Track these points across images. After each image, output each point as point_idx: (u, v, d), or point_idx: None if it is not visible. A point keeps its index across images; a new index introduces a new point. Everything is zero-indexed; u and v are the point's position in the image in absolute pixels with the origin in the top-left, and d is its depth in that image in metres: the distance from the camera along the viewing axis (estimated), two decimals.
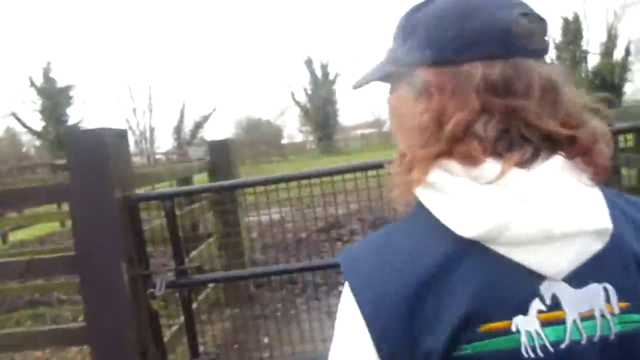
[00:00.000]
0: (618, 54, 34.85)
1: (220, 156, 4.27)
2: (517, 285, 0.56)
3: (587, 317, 0.56)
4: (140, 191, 2.44)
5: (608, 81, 32.57)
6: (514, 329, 0.55)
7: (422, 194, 0.61)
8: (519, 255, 0.55)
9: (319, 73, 42.68)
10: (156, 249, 3.21)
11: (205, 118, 40.86)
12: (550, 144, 0.59)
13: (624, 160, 3.89)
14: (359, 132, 53.16)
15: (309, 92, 42.58)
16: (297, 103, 43.64)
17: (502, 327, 0.55)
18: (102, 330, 2.21)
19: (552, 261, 0.55)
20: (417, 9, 0.66)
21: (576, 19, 35.69)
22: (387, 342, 0.56)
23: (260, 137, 41.33)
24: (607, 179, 0.60)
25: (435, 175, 0.59)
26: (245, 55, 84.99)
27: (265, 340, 3.13)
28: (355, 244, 0.65)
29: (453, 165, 0.59)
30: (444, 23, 0.62)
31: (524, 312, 0.55)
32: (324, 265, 2.26)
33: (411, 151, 0.62)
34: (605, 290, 0.56)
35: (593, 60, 35.75)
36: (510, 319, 0.55)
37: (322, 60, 42.82)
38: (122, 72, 66.75)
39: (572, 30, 35.37)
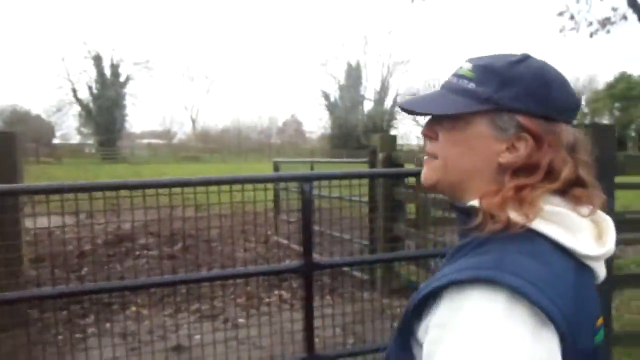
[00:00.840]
0: (388, 103, 40.80)
1: (2, 153, 3.65)
2: (595, 288, 0.76)
3: None
4: None
5: (378, 125, 37.77)
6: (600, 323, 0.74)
7: (539, 223, 0.71)
8: (597, 267, 0.75)
9: (108, 72, 39.50)
10: None
11: None
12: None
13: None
14: (145, 140, 50.46)
15: (95, 90, 38.98)
16: (79, 101, 39.51)
17: (601, 323, 0.74)
18: None
19: (603, 271, 0.77)
20: (516, 62, 0.76)
21: (357, 66, 40.57)
22: (574, 354, 0.65)
23: (27, 133, 36.06)
24: None
25: (554, 208, 0.73)
26: (19, 35, 73.73)
27: None
28: (510, 266, 0.67)
29: (560, 201, 0.74)
30: (551, 85, 0.75)
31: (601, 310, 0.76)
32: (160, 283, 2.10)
33: (518, 186, 0.73)
34: None
35: (368, 105, 41.10)
36: (600, 316, 0.75)
37: (114, 59, 39.79)
38: None
39: (354, 76, 40.03)
